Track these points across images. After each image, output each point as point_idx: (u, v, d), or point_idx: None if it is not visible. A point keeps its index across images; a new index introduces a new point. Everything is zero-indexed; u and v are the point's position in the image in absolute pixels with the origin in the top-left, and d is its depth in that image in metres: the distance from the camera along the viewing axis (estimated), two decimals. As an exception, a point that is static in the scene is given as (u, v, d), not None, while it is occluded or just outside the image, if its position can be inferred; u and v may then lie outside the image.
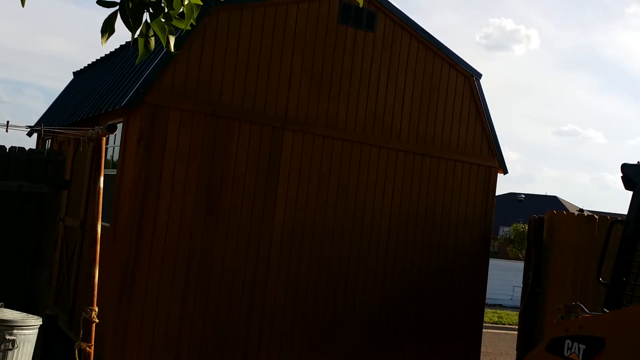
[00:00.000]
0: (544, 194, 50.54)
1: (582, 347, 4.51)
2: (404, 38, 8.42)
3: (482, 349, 9.25)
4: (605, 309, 5.29)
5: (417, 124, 8.50)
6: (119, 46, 9.99)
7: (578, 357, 4.51)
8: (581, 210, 8.99)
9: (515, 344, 9.23)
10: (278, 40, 7.54)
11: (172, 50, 2.16)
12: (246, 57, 7.33)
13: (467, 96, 8.90)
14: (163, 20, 2.05)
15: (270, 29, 7.49)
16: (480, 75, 9.02)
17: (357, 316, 7.98)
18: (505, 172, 9.20)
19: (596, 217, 7.87)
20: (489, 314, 16.30)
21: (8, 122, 4.61)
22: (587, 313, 4.92)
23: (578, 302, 5.05)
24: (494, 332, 14.64)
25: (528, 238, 8.63)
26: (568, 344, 4.62)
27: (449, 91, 8.76)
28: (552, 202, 40.81)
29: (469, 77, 8.91)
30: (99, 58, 11.11)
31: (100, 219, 5.24)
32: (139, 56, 2.13)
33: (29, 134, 11.92)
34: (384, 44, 8.27)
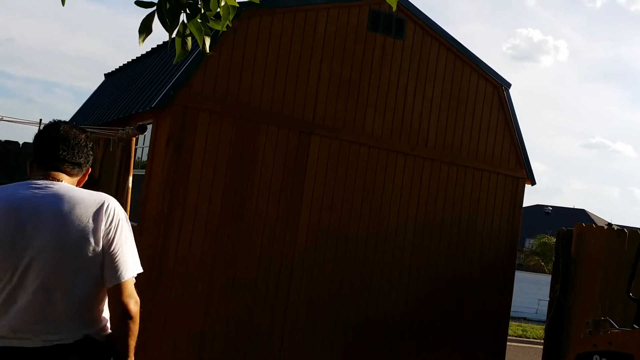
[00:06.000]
0: (572, 206, 49.79)
1: (611, 363, 4.42)
2: (433, 46, 8.39)
3: (505, 362, 9.11)
4: (635, 325, 5.18)
5: (445, 132, 8.44)
6: (150, 49, 10.11)
7: (606, 373, 4.43)
8: (610, 224, 8.79)
9: (540, 358, 9.09)
10: (307, 46, 7.56)
11: (208, 51, 2.18)
12: (275, 62, 7.36)
13: (495, 105, 8.82)
14: (199, 21, 2.07)
15: (299, 34, 7.52)
16: (509, 85, 8.94)
17: (379, 323, 7.93)
18: (533, 183, 9.09)
19: (626, 231, 7.73)
20: (513, 327, 16.08)
21: (41, 120, 4.70)
22: (616, 329, 4.83)
23: (607, 317, 4.96)
24: (518, 346, 14.42)
25: (556, 251, 8.51)
26: (596, 359, 4.54)
27: (478, 100, 8.69)
28: (580, 216, 40.18)
29: (498, 87, 8.83)
30: (130, 60, 11.26)
31: (128, 218, 5.30)
32: (176, 56, 2.15)
33: (60, 134, 12.11)
34: (413, 52, 8.25)
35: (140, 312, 2.55)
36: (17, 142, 7.35)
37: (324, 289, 7.62)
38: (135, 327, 2.47)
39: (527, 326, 18.08)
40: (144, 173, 7.26)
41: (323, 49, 7.65)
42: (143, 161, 7.54)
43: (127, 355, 2.49)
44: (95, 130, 7.22)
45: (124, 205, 5.27)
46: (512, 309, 9.23)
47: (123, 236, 2.45)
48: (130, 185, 5.30)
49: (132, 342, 2.48)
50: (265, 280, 7.26)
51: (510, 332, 13.32)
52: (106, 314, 2.51)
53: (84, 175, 2.67)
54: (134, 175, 5.55)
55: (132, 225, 6.02)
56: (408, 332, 8.12)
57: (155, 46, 9.86)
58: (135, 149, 5.66)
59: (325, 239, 7.63)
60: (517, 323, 18.22)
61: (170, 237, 6.79)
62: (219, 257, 7.02)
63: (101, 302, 2.48)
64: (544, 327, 9.46)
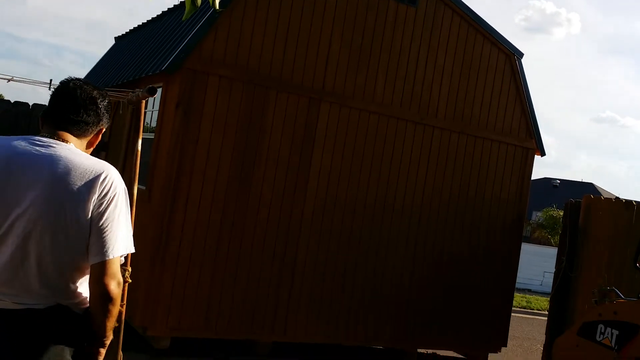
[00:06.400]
0: (580, 180, 49.61)
1: (616, 332, 4.45)
2: (446, 13, 8.27)
3: (510, 333, 9.20)
4: (640, 296, 5.19)
5: (455, 101, 8.37)
6: (160, 12, 10.03)
7: (611, 342, 4.46)
8: (618, 198, 8.78)
9: (544, 329, 9.17)
10: (319, 12, 7.47)
11: (217, 7, 2.16)
12: (286, 28, 7.29)
13: (507, 75, 8.72)
14: (211, -24, 2.05)
15: (311, 0, 7.42)
16: (521, 55, 8.82)
17: (386, 294, 7.99)
18: (542, 154, 9.03)
19: (634, 203, 7.70)
20: (517, 298, 16.19)
21: (51, 80, 4.69)
22: (622, 298, 4.85)
23: (613, 287, 4.98)
24: (522, 317, 14.54)
25: (563, 222, 8.52)
26: (601, 328, 4.57)
27: (489, 69, 8.60)
28: (588, 189, 40.04)
29: (510, 56, 8.72)
30: (140, 24, 11.18)
31: (137, 182, 5.32)
32: (185, 12, 2.12)
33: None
34: (426, 19, 8.14)
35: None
36: (27, 103, 7.32)
37: (330, 261, 7.66)
38: (114, 309, 2.33)
39: (532, 298, 18.20)
40: (153, 137, 7.27)
41: (335, 15, 7.56)
42: (152, 127, 7.54)
43: (103, 336, 2.38)
44: (104, 93, 7.21)
45: (132, 169, 5.29)
46: (517, 281, 9.26)
47: (116, 212, 2.29)
48: (139, 148, 5.30)
49: (110, 324, 2.37)
50: (271, 251, 7.30)
51: (514, 303, 13.41)
52: (85, 290, 2.37)
53: (97, 136, 2.51)
54: (143, 138, 5.55)
55: (139, 190, 6.03)
56: (413, 303, 8.18)
57: (166, 9, 9.78)
58: (145, 112, 5.65)
59: (333, 209, 7.64)
60: (521, 294, 18.34)
61: (179, 203, 6.81)
62: (225, 225, 7.06)
63: (80, 277, 2.33)
64: (548, 298, 9.51)
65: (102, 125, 2.51)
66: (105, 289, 2.27)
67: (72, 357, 2.31)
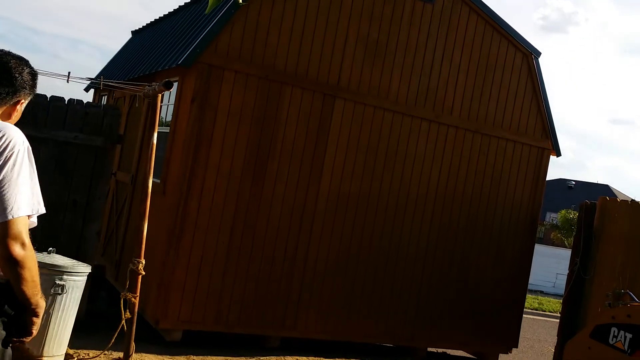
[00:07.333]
0: (596, 182, 49.19)
1: (629, 335, 4.42)
2: (463, 11, 8.22)
3: (521, 334, 9.15)
4: (655, 300, 5.14)
5: (470, 100, 8.33)
6: (177, 7, 10.07)
7: (624, 345, 4.43)
8: (634, 200, 8.71)
9: (555, 331, 9.12)
10: (335, 7, 7.46)
11: (241, 1, 2.16)
12: (302, 23, 7.28)
13: (524, 74, 8.66)
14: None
15: (328, -5, 7.41)
16: (539, 54, 8.75)
17: (396, 292, 7.98)
18: (558, 154, 8.96)
19: (651, 206, 7.63)
20: (529, 300, 16.10)
21: (69, 72, 4.72)
22: (636, 302, 4.81)
23: (627, 290, 4.93)
24: (533, 319, 14.46)
25: (578, 224, 8.45)
26: (614, 331, 4.53)
27: (506, 68, 8.54)
28: (603, 191, 39.66)
29: (528, 55, 8.65)
30: (157, 18, 11.23)
31: (151, 175, 5.35)
32: (209, 5, 2.14)
33: (87, 89, 12.19)
34: (442, 16, 8.09)
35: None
36: (44, 95, 7.32)
37: (342, 256, 7.66)
38: (26, 273, 2.22)
39: (544, 299, 18.10)
40: (168, 130, 7.30)
41: (351, 11, 7.54)
42: (167, 120, 7.58)
43: (28, 304, 2.28)
44: (121, 86, 7.25)
45: (148, 162, 5.32)
46: (529, 282, 9.21)
47: (15, 170, 2.21)
48: (154, 141, 5.33)
49: (29, 290, 2.26)
50: (283, 245, 7.32)
51: (526, 304, 13.34)
52: None
53: (13, 107, 2.43)
54: (158, 132, 5.58)
55: (154, 183, 6.04)
56: (425, 301, 8.16)
57: (183, 4, 9.81)
58: (161, 106, 5.68)
59: (345, 205, 7.63)
60: (533, 296, 18.25)
61: (192, 196, 6.84)
62: (239, 218, 7.08)
63: None
64: (560, 300, 9.45)
65: (19, 96, 2.43)
66: (9, 252, 2.16)
67: (3, 327, 2.26)
